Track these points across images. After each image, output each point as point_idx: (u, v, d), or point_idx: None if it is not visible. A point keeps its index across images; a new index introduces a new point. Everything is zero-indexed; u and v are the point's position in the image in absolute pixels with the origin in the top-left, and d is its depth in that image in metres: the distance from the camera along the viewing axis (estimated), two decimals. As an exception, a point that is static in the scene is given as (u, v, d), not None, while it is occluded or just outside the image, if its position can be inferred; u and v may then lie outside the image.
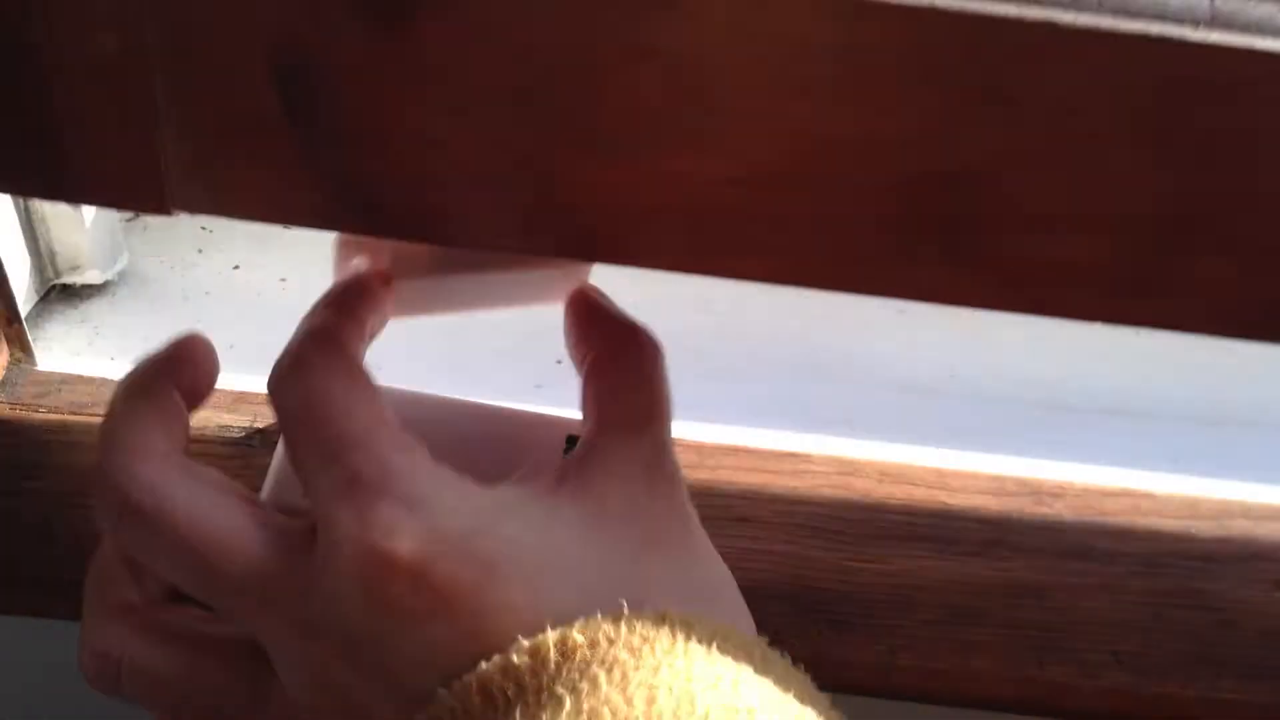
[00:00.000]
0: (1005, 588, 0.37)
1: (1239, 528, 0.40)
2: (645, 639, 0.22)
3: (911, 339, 0.49)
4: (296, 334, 0.27)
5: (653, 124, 0.22)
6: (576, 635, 0.22)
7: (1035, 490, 0.41)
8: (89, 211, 0.45)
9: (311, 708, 0.25)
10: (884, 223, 0.22)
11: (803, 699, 0.23)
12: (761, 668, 0.23)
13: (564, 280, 0.30)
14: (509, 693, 0.22)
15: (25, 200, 0.44)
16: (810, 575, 0.37)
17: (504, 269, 0.29)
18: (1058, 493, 0.41)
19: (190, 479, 0.25)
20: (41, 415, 0.39)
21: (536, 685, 0.22)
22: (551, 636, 0.22)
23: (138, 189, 0.26)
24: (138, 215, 0.51)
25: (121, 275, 0.48)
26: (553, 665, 0.22)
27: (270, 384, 0.26)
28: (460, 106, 0.22)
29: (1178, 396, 0.49)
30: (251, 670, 0.26)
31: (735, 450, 0.41)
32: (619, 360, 0.28)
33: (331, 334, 0.27)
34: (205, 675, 0.26)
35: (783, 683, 0.23)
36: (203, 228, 0.51)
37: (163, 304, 0.48)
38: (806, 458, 0.40)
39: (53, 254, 0.46)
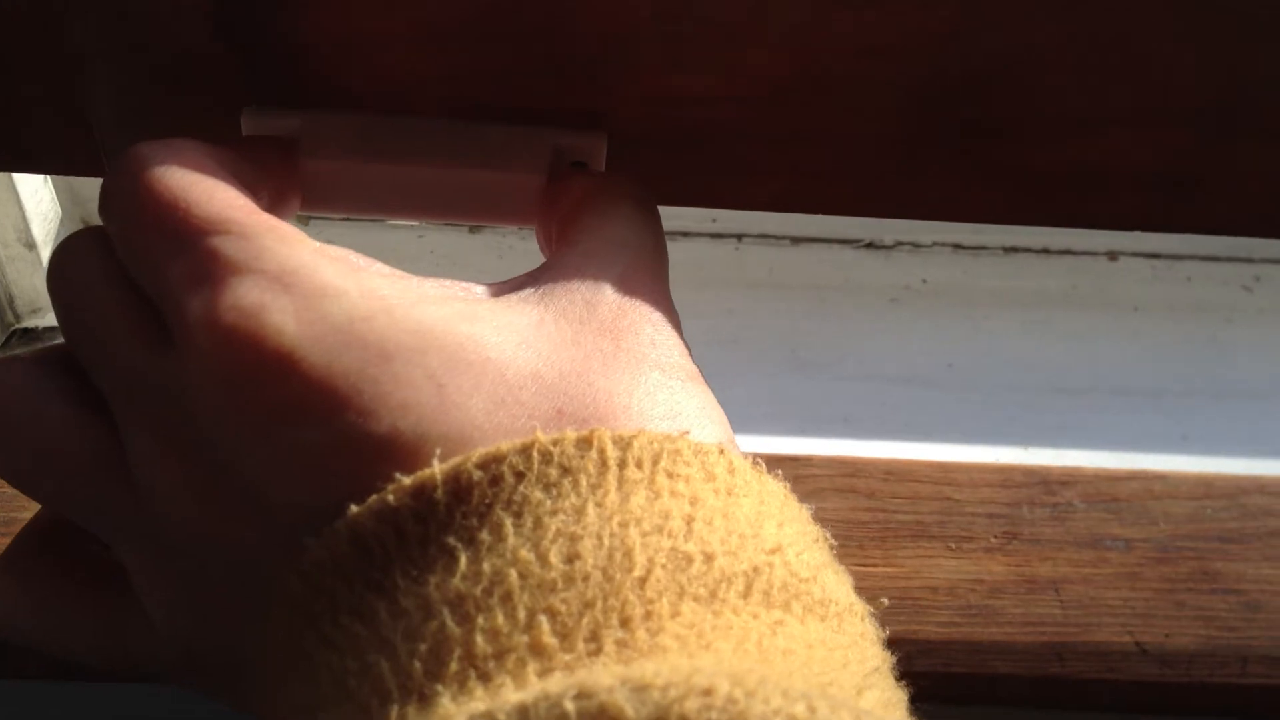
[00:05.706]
0: (1020, 583, 0.36)
1: (1256, 504, 0.39)
2: (566, 470, 0.17)
3: (904, 331, 0.48)
4: None
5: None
6: (472, 470, 0.17)
7: (1044, 479, 0.39)
8: (45, 253, 0.43)
9: (186, 522, 0.20)
10: (894, 134, 0.20)
11: (781, 521, 0.18)
12: (726, 486, 0.18)
13: (515, 189, 0.25)
14: (388, 544, 0.17)
15: (-22, 244, 0.42)
16: (817, 584, 0.35)
17: (440, 162, 0.24)
18: (1067, 480, 0.39)
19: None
20: None
21: (421, 535, 0.17)
22: (440, 470, 0.17)
23: (66, 148, 0.24)
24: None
25: (85, 316, 0.46)
26: (442, 509, 0.17)
27: (100, 202, 0.21)
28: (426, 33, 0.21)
29: (1182, 372, 0.48)
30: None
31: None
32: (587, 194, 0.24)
33: (190, 142, 0.21)
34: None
35: (750, 504, 0.19)
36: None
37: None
38: (807, 460, 0.39)
39: (10, 298, 0.44)
